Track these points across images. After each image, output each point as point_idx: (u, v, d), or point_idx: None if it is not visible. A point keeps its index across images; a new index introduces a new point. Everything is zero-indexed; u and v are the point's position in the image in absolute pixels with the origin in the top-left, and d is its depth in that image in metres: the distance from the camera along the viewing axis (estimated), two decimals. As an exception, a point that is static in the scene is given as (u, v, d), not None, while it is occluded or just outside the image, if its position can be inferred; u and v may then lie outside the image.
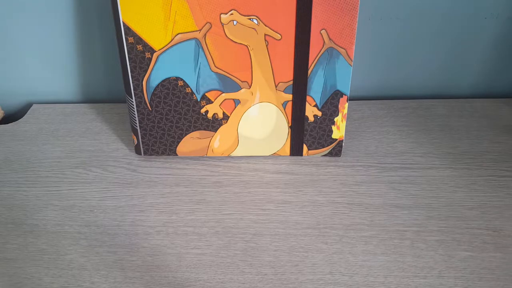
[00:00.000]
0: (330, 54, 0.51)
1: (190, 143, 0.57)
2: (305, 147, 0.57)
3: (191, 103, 0.54)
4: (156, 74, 0.53)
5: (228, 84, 0.53)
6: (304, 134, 0.56)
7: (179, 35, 0.51)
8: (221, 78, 0.53)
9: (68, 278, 0.45)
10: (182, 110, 0.55)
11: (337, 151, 0.57)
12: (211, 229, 0.50)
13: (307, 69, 0.52)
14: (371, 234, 0.49)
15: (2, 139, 0.63)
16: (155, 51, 0.51)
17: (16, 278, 0.46)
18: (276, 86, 0.53)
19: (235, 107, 0.55)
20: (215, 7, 0.49)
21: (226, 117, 0.55)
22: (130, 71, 0.53)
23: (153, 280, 0.45)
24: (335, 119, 0.55)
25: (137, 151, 0.59)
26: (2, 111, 0.70)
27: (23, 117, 0.67)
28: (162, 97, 0.54)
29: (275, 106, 0.54)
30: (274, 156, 0.59)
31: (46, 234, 0.50)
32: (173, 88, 0.53)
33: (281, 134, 0.56)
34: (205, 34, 0.50)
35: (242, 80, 0.53)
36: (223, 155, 0.58)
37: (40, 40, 0.67)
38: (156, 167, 0.58)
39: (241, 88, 0.53)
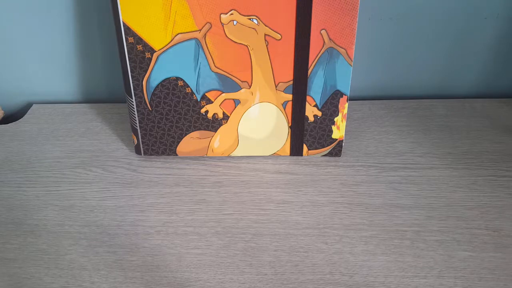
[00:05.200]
0: (330, 54, 0.51)
1: (190, 143, 0.57)
2: (305, 147, 0.57)
3: (191, 103, 0.54)
4: (156, 74, 0.53)
5: (228, 84, 0.53)
6: (304, 134, 0.56)
7: (179, 35, 0.51)
8: (221, 78, 0.53)
9: (68, 278, 0.45)
10: (182, 110, 0.55)
11: (337, 151, 0.57)
12: (211, 229, 0.50)
13: (307, 69, 0.52)
14: (371, 234, 0.49)
15: (2, 139, 0.63)
16: (155, 51, 0.51)
17: (16, 278, 0.46)
18: (276, 86, 0.53)
19: (235, 107, 0.55)
20: (215, 7, 0.49)
21: (226, 117, 0.55)
22: (130, 71, 0.53)
23: (153, 280, 0.45)
24: (335, 119, 0.55)
25: (137, 151, 0.59)
26: (2, 111, 0.70)
27: (23, 117, 0.67)
28: (162, 97, 0.54)
29: (275, 106, 0.54)
30: (274, 156, 0.59)
31: (46, 234, 0.50)
32: (173, 88, 0.53)
33: (281, 134, 0.56)
34: (205, 34, 0.50)
35: (242, 80, 0.53)
36: (223, 155, 0.58)
37: (40, 40, 0.66)
38: (156, 167, 0.58)
39: (241, 88, 0.53)
